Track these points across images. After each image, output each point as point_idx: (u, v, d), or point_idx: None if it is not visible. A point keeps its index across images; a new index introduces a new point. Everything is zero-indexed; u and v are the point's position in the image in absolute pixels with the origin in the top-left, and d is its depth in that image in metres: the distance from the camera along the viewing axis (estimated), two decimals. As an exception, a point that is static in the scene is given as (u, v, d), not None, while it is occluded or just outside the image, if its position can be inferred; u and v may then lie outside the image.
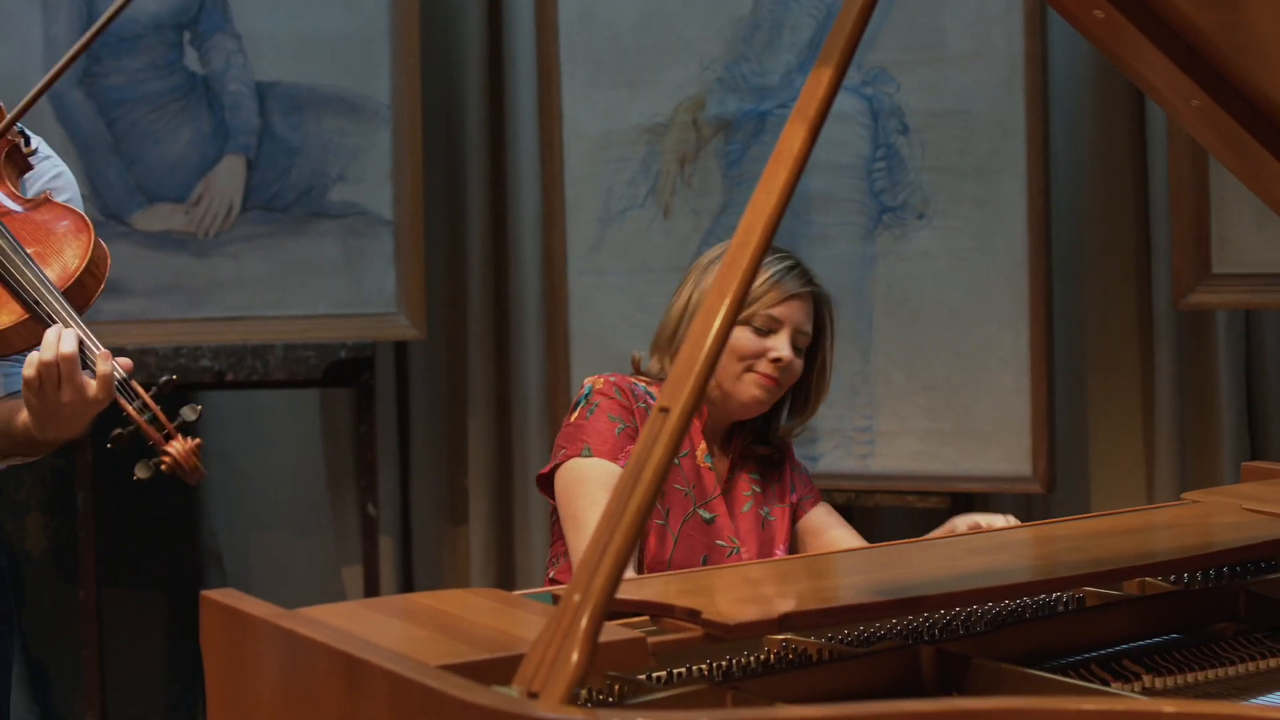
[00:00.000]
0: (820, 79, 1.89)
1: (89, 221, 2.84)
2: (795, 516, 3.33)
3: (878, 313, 4.51)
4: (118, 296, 4.79)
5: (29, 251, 2.74)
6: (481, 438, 5.16)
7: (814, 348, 3.28)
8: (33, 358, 2.63)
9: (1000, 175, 4.38)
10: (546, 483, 3.17)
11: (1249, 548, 2.42)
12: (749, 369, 3.17)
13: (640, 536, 1.79)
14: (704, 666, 2.11)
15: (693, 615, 2.08)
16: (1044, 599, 2.37)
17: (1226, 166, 2.33)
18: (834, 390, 4.49)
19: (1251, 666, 2.25)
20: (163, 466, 2.67)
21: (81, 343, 2.64)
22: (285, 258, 4.89)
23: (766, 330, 3.16)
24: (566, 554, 3.15)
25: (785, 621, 2.04)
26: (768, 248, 1.87)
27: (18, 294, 2.71)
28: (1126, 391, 4.62)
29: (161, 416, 2.68)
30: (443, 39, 5.22)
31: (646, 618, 2.18)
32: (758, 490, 3.28)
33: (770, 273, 3.18)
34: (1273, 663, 2.26)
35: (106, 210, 4.80)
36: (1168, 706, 1.62)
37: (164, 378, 2.73)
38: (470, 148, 5.18)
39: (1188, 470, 4.47)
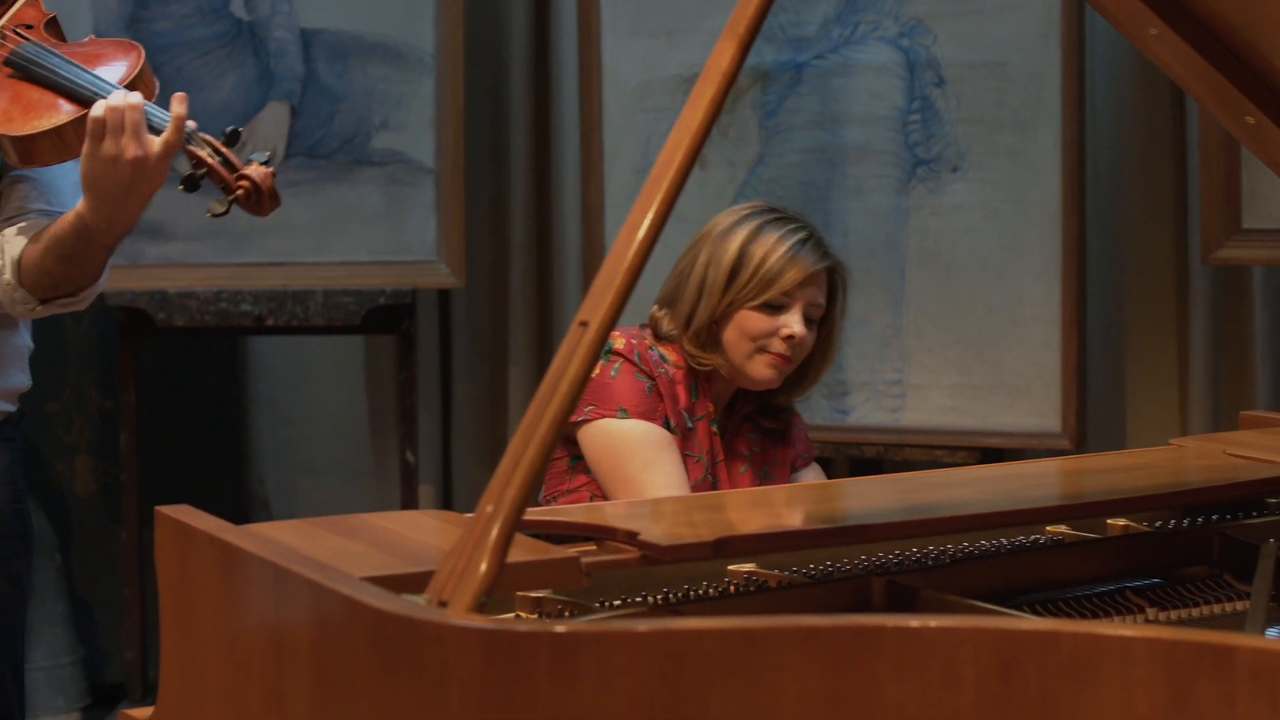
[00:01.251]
0: (752, -4, 1.87)
1: (138, 45, 2.85)
2: (791, 473, 3.32)
3: (910, 266, 4.49)
4: (160, 240, 4.84)
5: (80, 64, 2.76)
6: (521, 385, 5.17)
7: (824, 317, 3.22)
8: (101, 103, 2.64)
9: (1035, 127, 4.34)
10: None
11: (1215, 488, 2.39)
12: (761, 349, 3.14)
13: (553, 451, 1.79)
14: (659, 595, 2.11)
15: (631, 537, 2.08)
16: (1014, 539, 2.36)
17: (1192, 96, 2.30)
18: (865, 343, 4.49)
19: (1218, 609, 2.23)
20: (239, 192, 2.67)
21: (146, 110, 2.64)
22: (327, 204, 4.92)
23: (779, 307, 3.14)
24: (560, 499, 3.14)
25: (720, 546, 2.04)
26: (693, 163, 1.86)
27: (74, 93, 2.71)
28: (1161, 347, 4.56)
29: (233, 157, 2.68)
30: (487, -14, 5.24)
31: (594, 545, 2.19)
32: (757, 450, 3.26)
33: (786, 246, 3.11)
34: (1239, 605, 2.24)
35: (151, 154, 4.82)
36: (1067, 627, 1.60)
37: (229, 128, 2.72)
38: (513, 96, 5.19)
39: (1221, 426, 4.42)
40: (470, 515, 1.81)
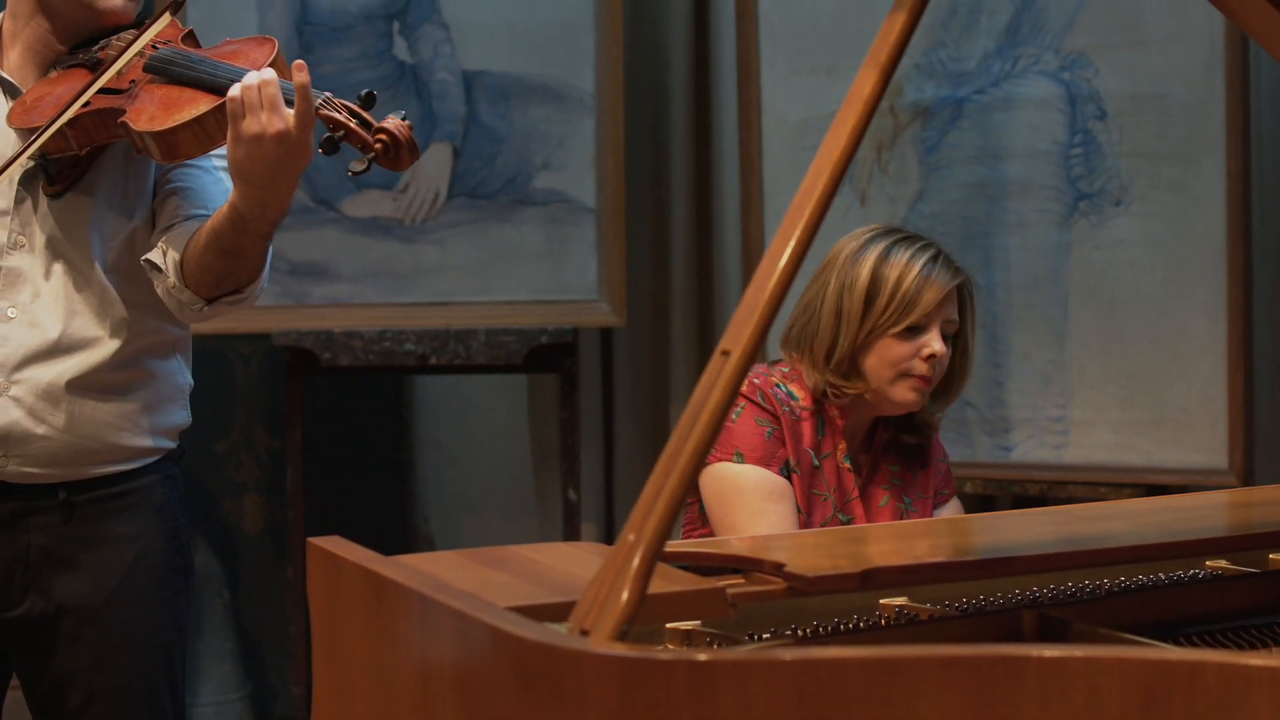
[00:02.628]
0: (894, 24, 1.87)
1: (272, 38, 2.88)
2: (933, 510, 3.28)
3: (1073, 301, 4.44)
4: (326, 281, 4.90)
5: (215, 59, 2.80)
6: (684, 425, 5.16)
7: (958, 330, 3.21)
8: (237, 85, 2.66)
9: (1199, 160, 4.28)
10: None
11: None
12: (904, 373, 3.13)
13: (695, 480, 1.79)
14: (808, 628, 2.10)
15: (777, 569, 2.07)
16: (1171, 573, 2.32)
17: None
18: (1028, 379, 4.45)
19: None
20: (379, 147, 2.67)
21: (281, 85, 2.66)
22: (489, 244, 4.96)
23: (918, 329, 3.12)
24: None
25: (867, 578, 2.03)
26: (835, 191, 1.86)
27: (211, 85, 2.73)
28: (1331, 382, 4.48)
29: (368, 116, 2.70)
30: (647, 27, 5.26)
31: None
32: (897, 483, 3.24)
33: (919, 267, 3.10)
34: None
35: (316, 196, 4.91)
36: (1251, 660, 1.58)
37: (364, 90, 2.74)
38: (673, 135, 5.21)
39: (1394, 465, 4.33)
40: (614, 546, 1.81)
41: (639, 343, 5.32)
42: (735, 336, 1.82)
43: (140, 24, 2.95)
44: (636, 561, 1.75)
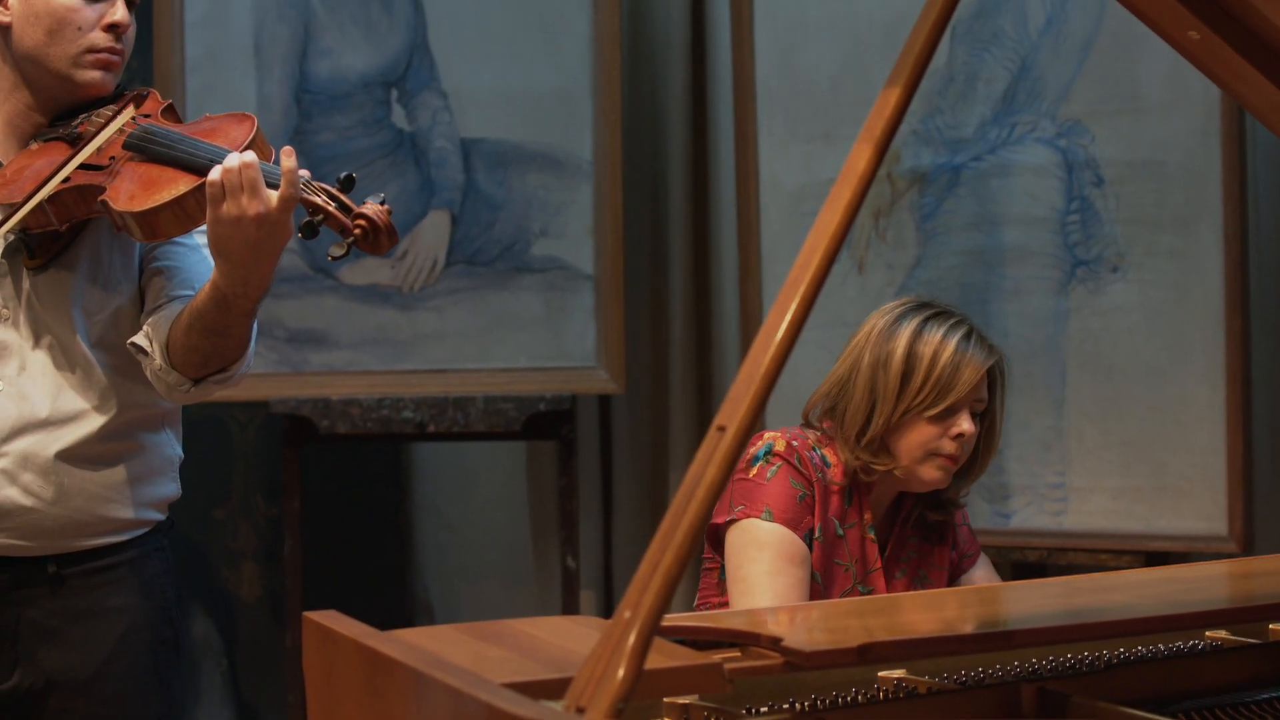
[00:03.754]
0: (888, 99, 1.87)
1: (251, 115, 2.88)
2: (955, 575, 3.27)
3: (1071, 368, 4.43)
4: (324, 348, 4.90)
5: (195, 137, 2.81)
6: (682, 492, 5.15)
7: (986, 408, 3.19)
8: (218, 167, 2.67)
9: (1196, 226, 4.28)
10: (715, 535, 3.13)
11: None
12: (932, 453, 3.12)
13: (692, 556, 1.79)
14: (806, 702, 2.09)
15: (774, 643, 2.06)
16: (1171, 644, 2.31)
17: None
18: (1027, 446, 4.44)
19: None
20: (357, 232, 2.68)
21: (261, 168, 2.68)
22: (488, 311, 4.97)
23: (951, 410, 3.11)
24: (713, 609, 3.11)
25: (865, 652, 2.02)
26: (831, 266, 1.86)
27: (191, 164, 2.74)
28: (1330, 449, 4.47)
29: (347, 200, 2.71)
30: (645, 94, 5.28)
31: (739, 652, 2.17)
32: (914, 556, 3.22)
33: (953, 346, 3.07)
34: None
35: (314, 264, 4.91)
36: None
37: (343, 174, 2.75)
38: (671, 202, 5.22)
39: (1395, 532, 4.32)
40: (610, 622, 1.80)
41: (638, 409, 5.32)
42: (731, 412, 1.82)
43: (120, 96, 2.97)
44: (633, 638, 1.74)
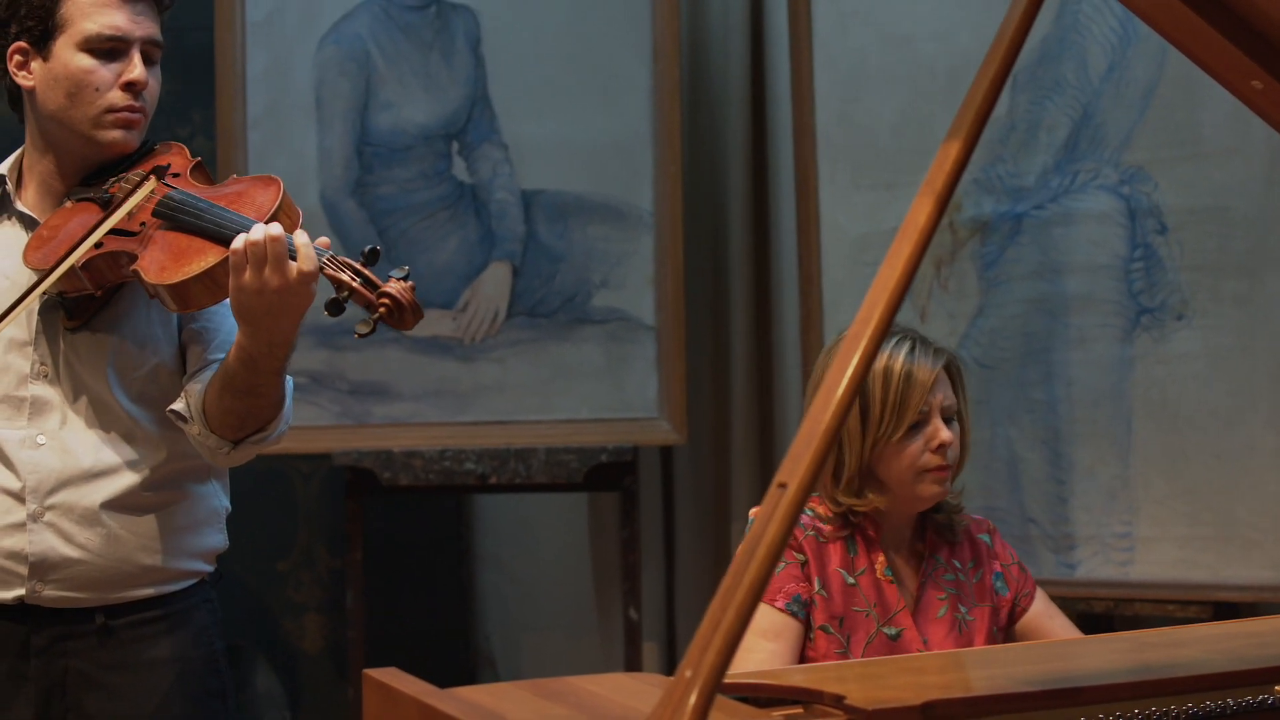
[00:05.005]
0: (949, 151, 1.86)
1: (277, 178, 2.90)
2: (1014, 615, 3.24)
3: (1137, 416, 4.39)
4: (386, 400, 4.91)
5: (223, 205, 2.82)
6: (744, 543, 5.13)
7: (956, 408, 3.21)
8: (241, 237, 2.70)
9: (1261, 272, 4.24)
10: None
11: None
12: (921, 470, 3.12)
13: (752, 613, 1.77)
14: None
15: (837, 701, 2.05)
16: (1240, 699, 2.28)
17: None
18: (1092, 495, 4.40)
19: None
20: (381, 310, 2.70)
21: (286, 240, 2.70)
22: (549, 363, 4.97)
23: (919, 424, 3.11)
24: None
25: (929, 710, 2.00)
26: (892, 320, 1.84)
27: (219, 234, 2.77)
28: (1401, 497, 4.41)
29: (372, 276, 2.72)
30: (705, 144, 5.28)
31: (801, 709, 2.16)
32: (953, 592, 3.20)
33: (899, 363, 3.11)
34: None
35: (377, 316, 4.91)
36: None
37: (367, 247, 2.76)
38: (732, 252, 5.21)
39: None
40: (671, 680, 1.79)
41: (699, 460, 5.30)
42: (792, 469, 1.80)
43: (150, 151, 2.99)
44: (694, 698, 1.73)
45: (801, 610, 3.05)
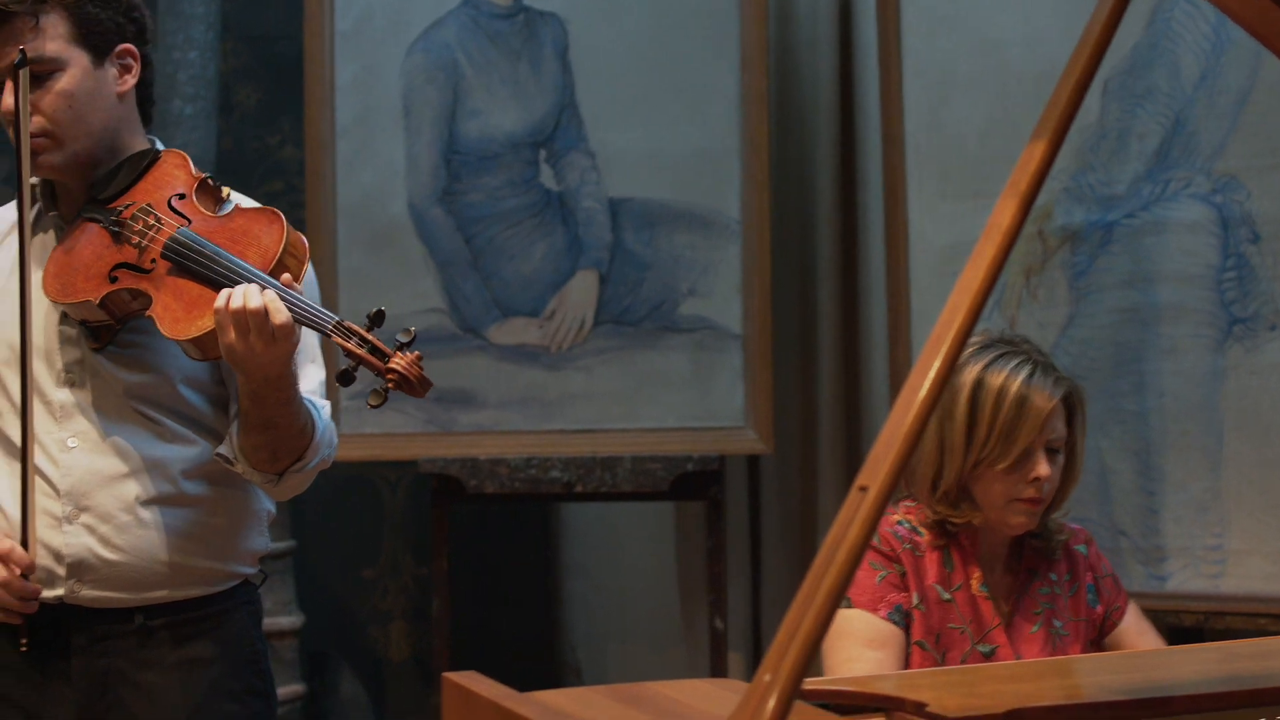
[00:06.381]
0: (1034, 153, 1.84)
1: (279, 212, 2.90)
2: (1105, 628, 3.20)
3: (1228, 428, 4.33)
4: (472, 408, 4.92)
5: (228, 252, 2.82)
6: (831, 553, 5.10)
7: (1066, 440, 3.14)
8: (225, 293, 2.70)
9: (1356, 283, 4.19)
10: None
11: None
12: (1013, 499, 3.06)
13: (832, 619, 1.75)
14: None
15: (919, 708, 2.02)
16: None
17: None
18: (1183, 508, 4.34)
19: None
20: (389, 384, 2.72)
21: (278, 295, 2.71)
22: (635, 371, 4.96)
23: (1025, 454, 3.05)
24: None
25: (1014, 718, 1.97)
26: (974, 324, 1.82)
27: (226, 286, 2.77)
28: None
29: (379, 344, 2.73)
30: (793, 151, 5.26)
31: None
32: (1048, 607, 3.16)
33: (1015, 389, 3.03)
34: None
35: (464, 324, 4.93)
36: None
37: (374, 309, 2.76)
38: (820, 260, 5.19)
39: None
40: (750, 685, 1.77)
41: (786, 470, 5.28)
42: (873, 472, 1.78)
43: (155, 160, 2.98)
44: (773, 703, 1.71)
45: (903, 620, 3.02)
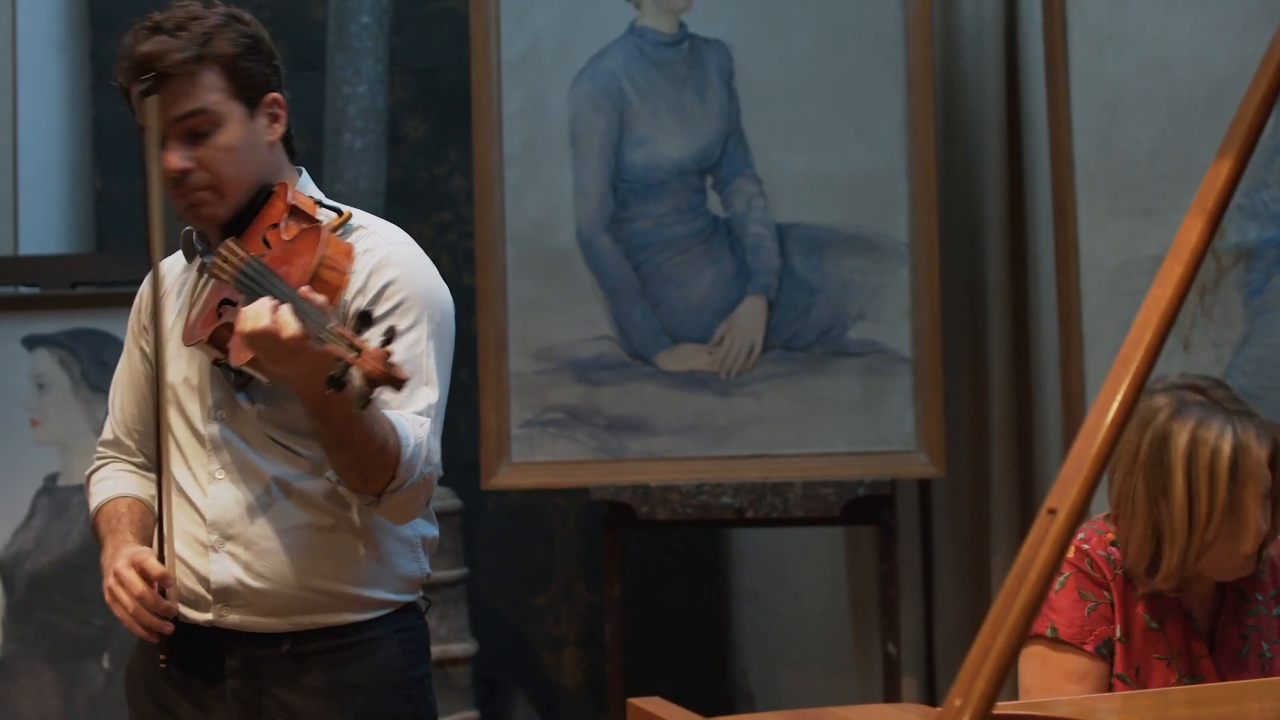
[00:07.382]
0: (1220, 170, 1.82)
1: (321, 225, 2.87)
2: None
3: None
4: (643, 435, 4.94)
5: (274, 273, 2.82)
6: (1004, 576, 5.05)
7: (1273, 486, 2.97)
8: (247, 310, 2.69)
9: None
10: None
11: None
12: (1235, 555, 2.97)
13: (1023, 641, 1.74)
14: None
15: (1109, 732, 2.01)
16: None
17: None
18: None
19: None
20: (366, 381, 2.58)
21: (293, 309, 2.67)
22: (805, 396, 4.96)
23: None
24: None
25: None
26: (1163, 343, 1.81)
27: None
28: None
29: (357, 341, 2.62)
30: (961, 174, 5.24)
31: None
32: (1254, 629, 3.07)
33: (1226, 456, 2.86)
34: None
35: (633, 351, 4.95)
36: None
37: (363, 309, 2.71)
38: (989, 282, 5.15)
39: None
40: (940, 710, 1.77)
41: (958, 493, 5.25)
42: (1062, 494, 1.77)
43: (270, 195, 3.00)
44: (964, 727, 1.70)
45: (1109, 654, 2.95)
